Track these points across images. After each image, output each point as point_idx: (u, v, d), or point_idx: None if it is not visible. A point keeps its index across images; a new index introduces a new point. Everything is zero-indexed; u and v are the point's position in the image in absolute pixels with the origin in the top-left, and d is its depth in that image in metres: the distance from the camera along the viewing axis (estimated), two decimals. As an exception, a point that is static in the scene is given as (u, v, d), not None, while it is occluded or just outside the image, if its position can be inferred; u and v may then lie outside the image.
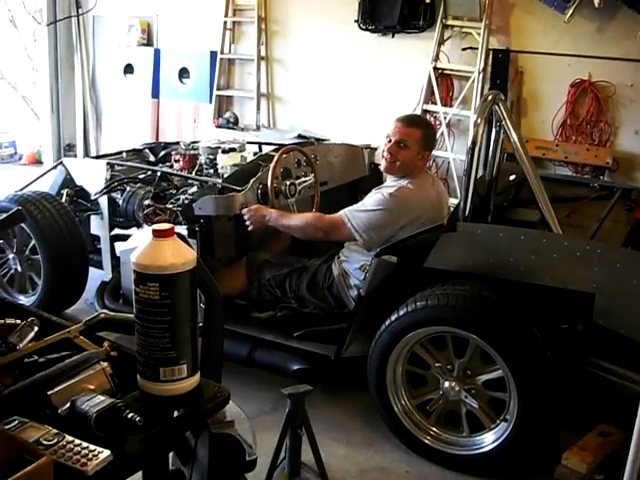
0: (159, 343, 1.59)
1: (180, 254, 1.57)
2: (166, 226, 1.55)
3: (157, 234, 1.55)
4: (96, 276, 4.56)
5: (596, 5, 4.98)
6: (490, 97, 3.59)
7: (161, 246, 1.55)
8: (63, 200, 4.51)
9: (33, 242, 4.32)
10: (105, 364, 1.68)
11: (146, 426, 1.54)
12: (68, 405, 1.56)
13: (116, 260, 4.40)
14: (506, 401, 3.15)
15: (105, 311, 1.99)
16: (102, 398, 1.55)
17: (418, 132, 3.65)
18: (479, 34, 5.64)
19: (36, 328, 1.87)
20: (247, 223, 3.77)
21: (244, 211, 3.77)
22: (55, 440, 1.47)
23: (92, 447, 1.46)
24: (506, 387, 3.12)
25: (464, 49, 5.86)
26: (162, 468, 1.75)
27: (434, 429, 3.37)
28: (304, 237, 3.79)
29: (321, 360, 3.64)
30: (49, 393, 1.58)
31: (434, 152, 4.66)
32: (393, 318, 3.30)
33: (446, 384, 3.31)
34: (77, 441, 1.47)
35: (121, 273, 4.25)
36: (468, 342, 3.19)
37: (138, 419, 1.52)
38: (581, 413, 3.47)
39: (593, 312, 3.01)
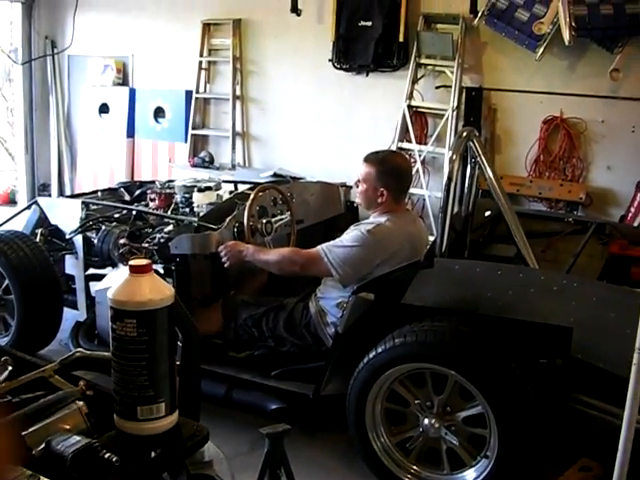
0: (136, 381, 1.56)
1: (158, 290, 1.55)
2: (143, 262, 1.54)
3: (134, 270, 1.53)
4: (70, 316, 4.49)
5: (566, 43, 5.07)
6: (465, 133, 3.63)
7: (138, 282, 1.53)
8: (37, 240, 4.46)
9: (6, 282, 4.26)
10: (81, 403, 1.65)
11: (123, 466, 1.51)
12: (43, 445, 1.52)
13: (91, 300, 4.35)
14: (486, 437, 3.12)
15: (81, 349, 1.96)
16: (78, 438, 1.52)
17: (370, 169, 3.66)
18: (452, 72, 5.73)
19: (10, 367, 1.83)
20: (223, 259, 3.75)
21: (220, 247, 3.75)
22: (30, 482, 1.43)
23: (68, 489, 1.43)
24: (486, 423, 3.10)
25: (437, 87, 5.94)
26: (139, 510, 1.71)
27: (414, 467, 3.33)
28: (281, 272, 3.77)
29: (299, 399, 3.60)
30: (23, 434, 1.54)
31: (410, 190, 4.68)
32: (371, 355, 3.27)
33: (426, 421, 3.27)
34: (52, 483, 1.44)
35: (96, 313, 4.19)
36: (447, 378, 3.17)
37: (115, 459, 1.48)
38: (561, 448, 3.44)
39: (571, 346, 3.01)
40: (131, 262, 1.53)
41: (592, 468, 3.24)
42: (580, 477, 3.19)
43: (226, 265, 3.77)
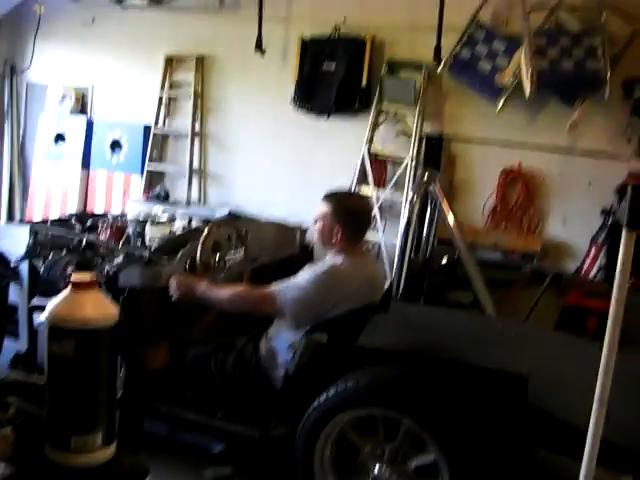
0: (72, 407, 1.44)
1: (101, 308, 1.44)
2: (87, 276, 1.43)
3: (77, 285, 1.42)
4: (10, 348, 4.31)
5: (527, 98, 5.13)
6: (427, 175, 3.60)
7: (80, 299, 1.42)
8: (-20, 266, 4.30)
9: (-55, 309, 4.09)
10: (9, 430, 1.52)
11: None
12: (-36, 475, 1.40)
13: (33, 332, 4.19)
14: (438, 487, 3.03)
15: (15, 374, 1.84)
16: (2, 465, 1.39)
17: (327, 206, 3.60)
18: (413, 119, 5.74)
19: (-64, 392, 1.70)
20: (171, 292, 3.63)
21: (171, 280, 3.64)
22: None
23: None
24: (438, 473, 3.00)
25: (398, 133, 5.94)
26: None
27: (365, 518, 3.22)
28: (232, 309, 3.66)
29: (245, 441, 3.48)
30: (-57, 461, 1.42)
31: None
32: (322, 398, 3.18)
33: (376, 470, 3.17)
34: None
35: (38, 345, 4.03)
36: (399, 425, 3.08)
37: (43, 492, 1.36)
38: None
39: (528, 394, 2.95)
40: (72, 277, 1.42)
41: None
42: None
43: (173, 299, 3.65)
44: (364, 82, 5.96)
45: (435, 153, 5.80)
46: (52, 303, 1.50)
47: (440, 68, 5.58)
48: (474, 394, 3.09)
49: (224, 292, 3.61)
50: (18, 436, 1.53)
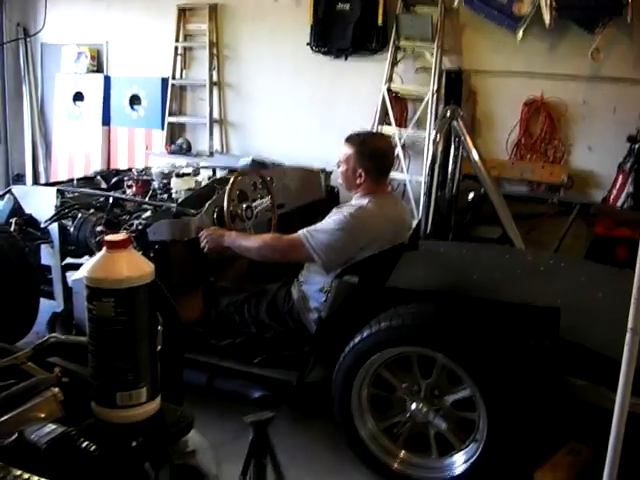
0: (115, 365, 1.47)
1: (137, 267, 1.46)
2: (121, 237, 1.45)
3: (111, 246, 1.44)
4: (47, 308, 4.39)
5: (547, 26, 5.03)
6: (449, 113, 3.56)
7: (115, 259, 1.44)
8: (12, 229, 4.36)
9: (-19, 273, 4.15)
10: (56, 390, 1.55)
11: (102, 456, 1.43)
12: (15, 435, 1.43)
13: (68, 290, 4.25)
14: (475, 421, 3.07)
15: (55, 335, 1.87)
16: (53, 427, 1.43)
17: (350, 150, 3.60)
18: (432, 55, 5.67)
19: (-20, 356, 1.74)
20: (202, 244, 3.67)
21: (201, 232, 3.68)
22: (1, 474, 1.34)
23: (42, 481, 1.34)
24: (475, 406, 3.05)
25: (417, 70, 5.87)
26: (121, 502, 1.63)
27: (402, 453, 3.29)
28: (262, 259, 3.68)
29: (283, 386, 3.54)
30: (-6, 423, 1.46)
31: (390, 174, 4.62)
32: (357, 340, 3.22)
33: (413, 406, 3.22)
34: (26, 475, 1.35)
35: (74, 303, 4.09)
36: (434, 362, 3.12)
37: (93, 448, 1.40)
38: (549, 430, 3.40)
39: (559, 327, 2.97)
40: (107, 237, 1.44)
41: (580, 452, 3.21)
42: (569, 461, 3.16)
43: (205, 250, 3.69)
44: (380, 20, 5.89)
45: (455, 88, 5.74)
46: (88, 264, 1.52)
47: (456, 1, 5.47)
48: (506, 328, 3.12)
49: (253, 242, 3.63)
50: (65, 396, 1.57)
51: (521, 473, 3.14)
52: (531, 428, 3.16)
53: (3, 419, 1.46)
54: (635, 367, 2.28)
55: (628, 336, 2.26)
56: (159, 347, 1.69)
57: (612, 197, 5.04)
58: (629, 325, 2.26)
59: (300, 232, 3.51)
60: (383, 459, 3.29)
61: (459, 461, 3.16)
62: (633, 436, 2.41)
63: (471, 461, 3.10)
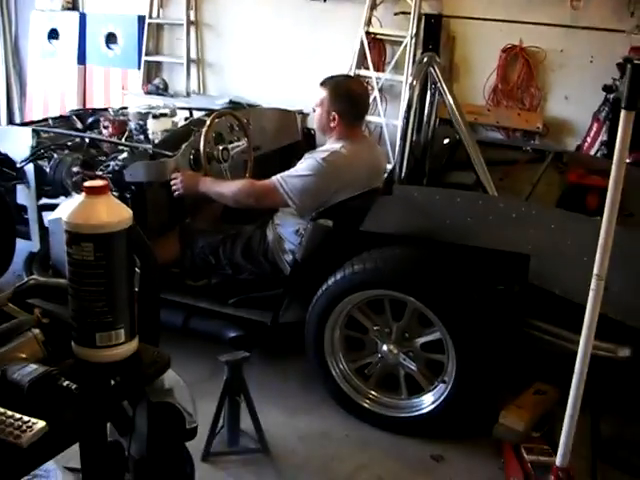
0: (94, 307, 1.52)
1: (115, 212, 1.50)
2: (99, 183, 1.48)
3: (90, 191, 1.47)
4: (23, 247, 4.40)
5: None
6: (425, 59, 3.58)
7: (94, 204, 1.47)
8: (-14, 169, 4.34)
9: (-45, 212, 4.14)
10: (37, 331, 1.60)
11: (82, 395, 1.48)
12: (-2, 374, 1.48)
13: (44, 230, 4.26)
14: (444, 363, 3.16)
15: (35, 277, 1.91)
16: (35, 366, 1.48)
17: (323, 92, 3.62)
18: (411, -1, 5.62)
19: (-40, 297, 1.77)
20: (174, 188, 3.69)
21: (174, 175, 3.69)
22: (-15, 412, 1.40)
23: (26, 418, 1.39)
24: (444, 349, 3.13)
25: (396, 14, 5.84)
26: (100, 439, 1.69)
27: (373, 392, 3.38)
28: (236, 205, 3.71)
29: (257, 326, 3.60)
30: (-24, 362, 1.50)
31: (367, 117, 4.63)
32: (330, 282, 3.28)
33: (384, 347, 3.31)
34: (9, 412, 1.40)
35: (50, 243, 4.10)
36: (406, 305, 3.19)
37: (74, 387, 1.45)
38: (516, 372, 3.50)
39: (529, 273, 3.04)
40: (86, 183, 1.47)
41: (546, 391, 3.31)
42: (535, 400, 3.25)
43: (176, 194, 3.71)
44: (360, -39, 5.82)
45: (434, 32, 5.72)
46: (67, 208, 1.55)
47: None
48: (477, 274, 3.19)
49: (227, 188, 3.65)
50: (46, 336, 1.61)
51: (488, 412, 3.24)
52: (498, 370, 3.26)
53: (-15, 359, 1.51)
54: (600, 312, 2.36)
55: (593, 282, 2.34)
56: (136, 289, 1.73)
57: (586, 145, 5.08)
58: (595, 271, 2.34)
59: (274, 178, 3.53)
60: (354, 398, 3.38)
61: (427, 401, 3.25)
62: (594, 377, 2.51)
63: (439, 401, 3.20)
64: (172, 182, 3.70)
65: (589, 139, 5.05)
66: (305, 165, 3.53)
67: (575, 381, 2.43)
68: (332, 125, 3.60)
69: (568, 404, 2.46)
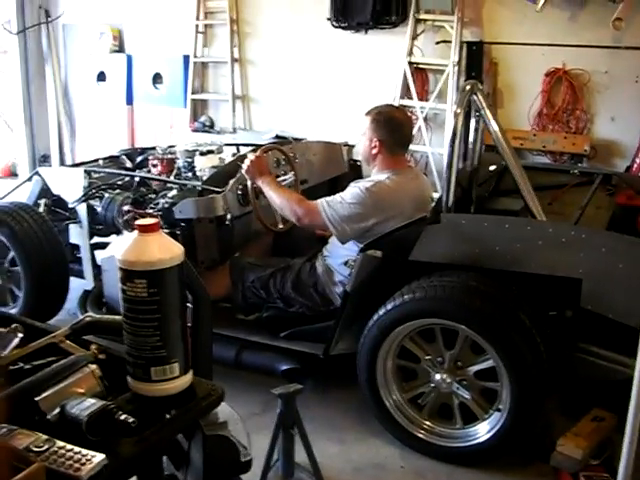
0: (149, 342, 1.55)
1: (167, 249, 1.53)
2: (151, 221, 1.51)
3: (142, 229, 1.51)
4: (77, 286, 4.49)
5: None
6: (468, 87, 3.58)
7: (147, 241, 1.51)
8: (41, 210, 4.45)
9: (12, 254, 4.24)
10: (94, 366, 1.63)
11: (140, 428, 1.50)
12: (58, 410, 1.51)
13: (97, 269, 4.34)
14: (498, 390, 3.13)
15: (90, 314, 1.95)
16: (93, 401, 1.51)
17: (367, 119, 3.66)
18: (452, 27, 5.66)
19: (20, 335, 1.81)
20: (243, 167, 3.78)
21: (246, 159, 3.79)
22: (46, 446, 1.42)
23: (85, 452, 1.41)
24: (497, 377, 3.11)
25: (438, 42, 5.87)
26: (157, 472, 1.71)
27: (427, 422, 3.35)
28: (280, 211, 3.76)
29: (310, 359, 3.61)
30: (37, 399, 1.53)
31: (412, 147, 4.64)
32: (381, 312, 3.28)
33: (437, 376, 3.29)
34: (69, 446, 1.43)
35: (103, 281, 4.18)
36: (457, 333, 3.17)
37: (132, 420, 1.47)
38: (573, 399, 3.45)
39: (581, 297, 3.01)
40: (138, 222, 1.51)
41: (605, 418, 3.26)
42: (593, 427, 3.21)
43: (242, 171, 3.80)
44: (399, -7, 5.88)
45: (476, 59, 5.74)
46: (119, 246, 1.58)
47: (476, -28, 5.46)
48: (528, 300, 3.16)
49: (279, 195, 3.69)
50: (103, 372, 1.64)
51: (544, 441, 3.19)
52: (554, 397, 3.22)
53: (46, 394, 1.54)
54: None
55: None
56: (189, 324, 1.76)
57: (635, 166, 5.03)
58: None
59: (319, 200, 3.57)
60: (408, 428, 3.36)
61: (483, 430, 3.22)
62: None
63: (494, 430, 3.16)
64: (243, 164, 3.79)
65: (638, 159, 5.00)
66: (349, 193, 3.55)
67: (632, 406, 2.38)
68: (374, 152, 3.63)
69: (626, 430, 2.41)
